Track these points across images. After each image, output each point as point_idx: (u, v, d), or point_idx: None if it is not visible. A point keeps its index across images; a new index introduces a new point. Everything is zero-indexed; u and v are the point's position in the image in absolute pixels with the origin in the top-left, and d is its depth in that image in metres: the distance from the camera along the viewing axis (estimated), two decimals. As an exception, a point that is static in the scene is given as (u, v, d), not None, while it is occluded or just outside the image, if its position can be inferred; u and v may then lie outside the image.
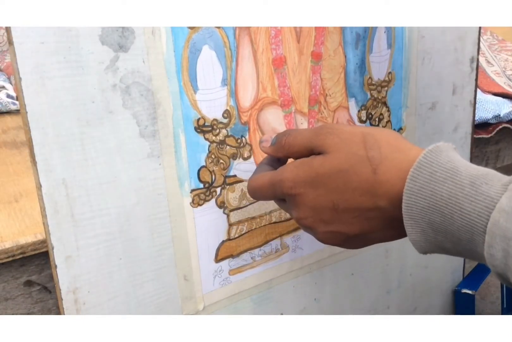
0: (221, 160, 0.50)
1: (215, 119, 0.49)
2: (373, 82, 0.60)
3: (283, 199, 0.45)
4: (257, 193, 0.46)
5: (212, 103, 0.48)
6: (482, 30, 0.83)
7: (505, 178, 0.36)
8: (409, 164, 0.38)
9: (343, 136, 0.41)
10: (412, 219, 0.38)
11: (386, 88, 0.61)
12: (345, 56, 0.57)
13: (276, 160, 0.47)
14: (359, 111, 0.60)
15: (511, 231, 0.34)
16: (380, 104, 0.61)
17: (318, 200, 0.41)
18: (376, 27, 0.58)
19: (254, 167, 0.52)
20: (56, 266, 0.43)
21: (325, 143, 0.41)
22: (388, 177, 0.39)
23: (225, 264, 0.53)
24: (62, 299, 0.43)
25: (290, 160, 0.47)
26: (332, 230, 0.42)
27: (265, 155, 0.50)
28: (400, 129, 0.65)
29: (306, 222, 0.43)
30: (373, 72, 0.59)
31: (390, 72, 0.61)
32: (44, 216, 0.41)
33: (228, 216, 0.52)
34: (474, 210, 0.35)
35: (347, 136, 0.41)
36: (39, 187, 0.41)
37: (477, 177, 0.36)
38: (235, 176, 0.52)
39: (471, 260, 0.40)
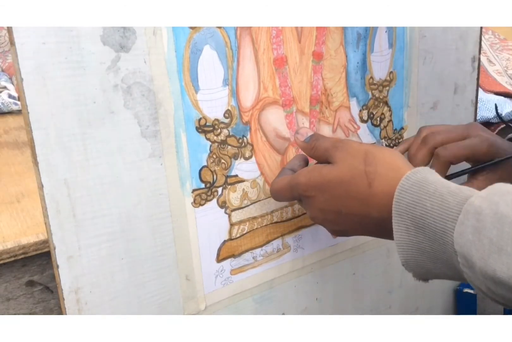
0: (223, 160, 0.50)
1: (216, 119, 0.49)
2: (375, 82, 0.60)
3: (300, 199, 0.50)
4: (278, 195, 0.51)
5: (214, 103, 0.48)
6: (483, 30, 0.83)
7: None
8: (398, 181, 0.43)
9: (349, 151, 0.47)
10: (399, 215, 0.42)
11: (387, 87, 0.61)
12: (346, 56, 0.57)
13: (297, 165, 0.52)
14: (360, 111, 0.60)
15: (482, 208, 0.38)
16: (381, 104, 0.61)
17: (326, 204, 0.47)
18: (377, 27, 0.58)
19: (255, 167, 0.52)
20: (58, 266, 0.43)
21: (335, 155, 0.48)
22: (380, 190, 0.44)
23: (226, 263, 0.53)
24: (64, 299, 0.43)
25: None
26: (339, 229, 0.50)
27: (265, 154, 0.51)
28: (401, 129, 0.65)
29: (317, 221, 0.50)
30: (374, 71, 0.59)
31: (391, 72, 0.61)
32: (46, 216, 0.41)
33: (229, 215, 0.52)
34: (454, 201, 0.39)
35: (352, 151, 0.47)
36: (41, 187, 0.41)
37: (463, 186, 0.41)
38: (236, 175, 0.52)
39: (445, 271, 0.42)
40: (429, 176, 0.42)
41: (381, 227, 0.45)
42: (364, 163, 0.46)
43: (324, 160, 0.49)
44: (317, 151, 0.50)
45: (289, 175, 0.51)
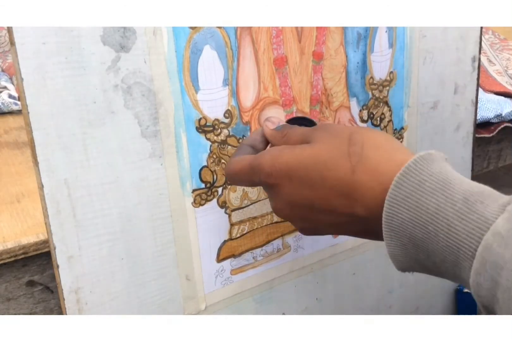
0: (223, 160, 0.50)
1: (216, 119, 0.49)
2: (375, 82, 0.60)
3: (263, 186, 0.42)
4: (235, 177, 0.43)
5: (214, 103, 0.48)
6: (483, 29, 0.83)
7: (503, 198, 0.32)
8: (392, 168, 0.34)
9: (331, 131, 0.39)
10: (392, 231, 0.34)
11: (387, 87, 0.61)
12: (346, 56, 0.57)
13: (259, 142, 0.44)
14: (360, 111, 0.60)
15: (505, 259, 0.29)
16: (381, 104, 0.61)
17: (294, 195, 0.38)
18: (377, 27, 0.58)
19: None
20: (58, 266, 0.43)
21: (314, 135, 0.39)
22: (367, 178, 0.35)
23: (227, 263, 0.53)
24: (64, 299, 0.43)
25: None
26: (310, 227, 0.41)
27: None
28: (401, 129, 0.65)
29: (282, 214, 0.41)
30: (374, 71, 0.59)
31: (391, 72, 0.61)
32: (46, 216, 0.41)
33: (229, 215, 0.52)
34: (464, 230, 0.31)
35: (334, 131, 0.39)
36: (41, 187, 0.41)
37: (471, 193, 0.32)
38: (236, 175, 0.52)
39: (454, 282, 0.36)
40: (427, 178, 0.33)
41: (366, 228, 0.37)
42: (348, 143, 0.36)
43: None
44: (290, 139, 0.41)
45: (248, 154, 0.42)
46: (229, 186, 0.51)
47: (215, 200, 0.51)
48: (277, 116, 0.48)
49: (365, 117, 0.61)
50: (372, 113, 0.61)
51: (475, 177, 0.75)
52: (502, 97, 0.86)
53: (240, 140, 0.51)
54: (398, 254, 0.35)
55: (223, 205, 0.51)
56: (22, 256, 0.48)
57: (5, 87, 0.94)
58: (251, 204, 0.53)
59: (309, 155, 0.37)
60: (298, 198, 0.38)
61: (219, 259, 0.52)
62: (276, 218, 0.56)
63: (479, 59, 0.70)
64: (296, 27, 0.52)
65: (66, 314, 0.44)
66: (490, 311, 0.31)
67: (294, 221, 0.41)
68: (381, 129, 0.63)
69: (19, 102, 0.87)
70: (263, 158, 0.39)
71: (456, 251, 0.31)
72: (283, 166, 0.38)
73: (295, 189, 0.38)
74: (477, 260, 0.30)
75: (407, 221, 0.33)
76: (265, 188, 0.41)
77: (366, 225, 0.36)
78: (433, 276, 0.36)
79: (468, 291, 0.40)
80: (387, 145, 0.36)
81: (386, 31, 0.59)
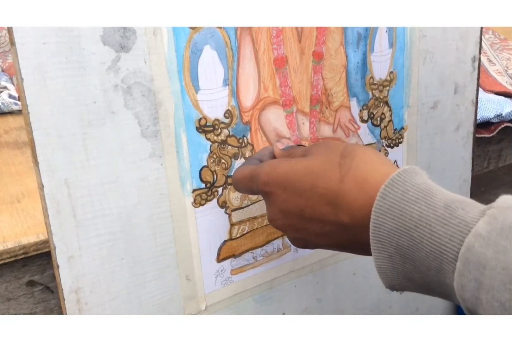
0: (223, 160, 0.50)
1: (216, 119, 0.49)
2: (375, 82, 0.60)
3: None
4: (237, 185, 0.46)
5: (214, 103, 0.48)
6: (484, 29, 0.83)
7: (482, 206, 0.33)
8: (377, 179, 0.36)
9: (327, 145, 0.41)
10: (380, 242, 0.35)
11: (387, 87, 0.61)
12: (347, 56, 0.57)
13: (267, 156, 0.47)
14: (360, 110, 0.60)
15: (487, 258, 0.30)
16: (381, 104, 0.61)
17: (287, 204, 0.40)
18: (377, 27, 0.58)
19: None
20: (58, 266, 0.43)
21: (312, 149, 0.42)
22: (354, 187, 0.36)
23: (227, 263, 0.53)
24: (64, 299, 0.43)
25: None
26: (301, 237, 0.42)
27: None
28: (401, 129, 0.65)
29: (276, 224, 0.43)
30: (374, 71, 0.59)
31: (391, 72, 0.61)
32: (46, 216, 0.41)
33: (229, 215, 0.52)
34: (446, 234, 0.32)
35: (330, 146, 0.41)
36: (41, 187, 0.41)
37: (452, 201, 0.33)
38: (236, 175, 0.52)
39: (442, 298, 0.36)
40: (410, 188, 0.34)
41: (352, 238, 0.37)
42: (341, 155, 0.39)
43: None
44: (293, 155, 0.44)
45: (255, 164, 0.45)
46: (229, 186, 0.51)
47: (215, 200, 0.51)
48: (288, 138, 0.52)
49: (365, 117, 0.61)
50: (372, 113, 0.61)
51: (475, 177, 0.75)
52: (502, 97, 0.86)
53: (240, 140, 0.51)
54: (386, 268, 0.36)
55: (223, 205, 0.51)
56: (22, 256, 0.48)
57: (5, 87, 0.94)
58: (251, 204, 0.53)
59: (303, 166, 0.39)
60: (290, 206, 0.39)
61: (219, 259, 0.52)
62: (276, 218, 0.56)
63: (479, 59, 0.70)
64: (296, 27, 0.52)
65: (66, 314, 0.44)
66: (474, 313, 0.32)
67: (287, 231, 0.43)
68: (381, 129, 0.63)
69: (19, 102, 0.87)
70: (262, 168, 0.42)
71: (439, 256, 0.32)
72: (279, 175, 0.40)
73: (288, 197, 0.39)
74: (460, 261, 0.31)
75: (393, 230, 0.34)
76: (263, 196, 0.43)
77: (352, 235, 0.37)
78: (419, 292, 0.37)
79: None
80: (376, 159, 0.38)
81: (386, 31, 0.59)
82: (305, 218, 0.39)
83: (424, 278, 0.34)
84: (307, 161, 0.39)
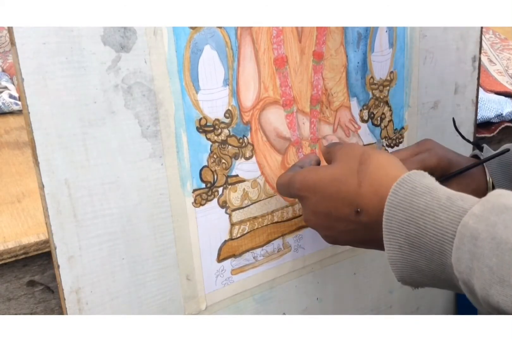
0: (223, 160, 0.50)
1: (217, 119, 0.49)
2: (375, 82, 0.60)
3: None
4: (279, 190, 0.51)
5: (214, 103, 0.48)
6: (484, 29, 0.83)
7: (480, 199, 0.38)
8: (389, 182, 0.41)
9: (348, 151, 0.47)
10: (391, 233, 0.40)
11: (388, 87, 0.61)
12: (347, 56, 0.57)
13: (307, 164, 0.52)
14: (361, 110, 0.60)
15: (479, 231, 0.34)
16: (382, 104, 0.61)
17: (317, 205, 0.46)
18: (377, 27, 0.58)
19: (256, 167, 0.52)
20: (58, 266, 0.43)
21: (335, 156, 0.48)
22: (369, 190, 0.42)
23: (227, 263, 0.53)
24: (64, 299, 0.43)
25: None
26: (330, 234, 0.48)
27: (266, 154, 0.52)
28: (402, 129, 0.65)
29: (310, 224, 0.49)
30: (375, 71, 0.59)
31: (392, 72, 0.61)
32: (46, 216, 0.41)
33: (230, 215, 0.52)
34: (447, 218, 0.37)
35: (350, 152, 0.46)
36: (41, 187, 0.41)
37: (454, 194, 0.38)
38: (237, 175, 0.52)
39: (444, 287, 0.40)
40: (418, 185, 0.40)
41: (370, 235, 0.43)
42: (359, 162, 0.44)
43: (330, 163, 0.49)
44: (329, 155, 0.49)
45: (294, 172, 0.50)
46: (230, 186, 0.51)
47: (215, 200, 0.51)
48: (333, 135, 0.58)
49: (366, 117, 0.61)
50: (373, 113, 0.61)
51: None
52: (503, 97, 0.86)
53: (240, 140, 0.51)
54: (396, 259, 0.40)
55: (223, 204, 0.51)
56: (23, 256, 0.48)
57: (5, 87, 0.94)
58: (252, 203, 0.53)
59: (328, 174, 0.46)
60: (320, 208, 0.46)
61: (220, 259, 0.52)
62: (276, 218, 0.56)
63: (480, 59, 0.70)
64: (297, 27, 0.52)
65: (66, 314, 0.44)
66: (469, 287, 0.36)
67: (319, 229, 0.48)
68: (382, 129, 0.63)
69: (19, 102, 0.87)
70: (295, 177, 0.48)
71: (441, 238, 0.37)
72: (309, 183, 0.46)
73: (318, 200, 0.46)
74: (457, 237, 0.36)
75: (403, 221, 0.39)
76: (299, 200, 0.49)
77: (370, 232, 0.43)
78: (427, 284, 0.41)
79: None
80: (388, 165, 0.44)
81: (386, 31, 0.59)
82: (332, 218, 0.45)
83: (429, 265, 0.39)
84: (331, 170, 0.46)
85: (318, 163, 0.52)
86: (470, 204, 0.37)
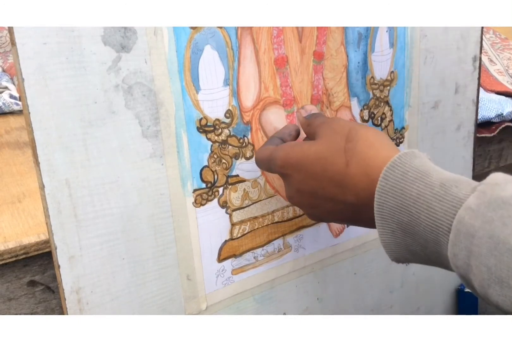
0: (224, 160, 0.50)
1: (217, 119, 0.49)
2: (375, 82, 0.60)
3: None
4: (258, 164, 0.50)
5: (214, 103, 0.48)
6: (484, 29, 0.83)
7: (475, 183, 0.36)
8: (379, 163, 0.39)
9: (334, 127, 0.44)
10: (383, 219, 0.38)
11: (388, 87, 0.61)
12: (347, 56, 0.57)
13: (287, 135, 0.49)
14: (361, 110, 0.60)
15: (475, 228, 0.33)
16: (382, 104, 0.61)
17: (302, 185, 0.44)
18: (378, 27, 0.58)
19: (256, 167, 0.52)
20: (59, 266, 0.43)
21: (319, 131, 0.45)
22: (356, 171, 0.40)
23: (227, 263, 0.53)
24: (65, 299, 0.44)
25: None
26: (315, 213, 0.46)
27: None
28: (402, 129, 0.65)
29: (293, 201, 0.47)
30: (375, 71, 0.59)
31: (392, 72, 0.61)
32: (47, 216, 0.42)
33: (230, 215, 0.52)
34: (441, 209, 0.35)
35: (336, 127, 0.44)
36: (42, 187, 0.41)
37: (447, 180, 0.37)
38: (237, 175, 0.52)
39: (440, 267, 0.39)
40: (409, 169, 0.38)
41: (359, 215, 0.42)
42: (346, 140, 0.42)
43: (313, 138, 0.46)
44: (310, 128, 0.47)
45: (275, 145, 0.48)
46: (230, 186, 0.51)
47: (216, 200, 0.51)
48: (312, 105, 0.54)
49: (366, 117, 0.61)
50: (373, 113, 0.61)
51: (476, 177, 0.75)
52: (503, 97, 0.86)
53: (241, 140, 0.51)
54: (389, 242, 0.39)
55: (224, 204, 0.51)
56: (23, 256, 0.48)
57: (6, 88, 0.95)
58: (252, 203, 0.53)
59: (314, 151, 0.43)
60: (305, 186, 0.44)
61: (220, 259, 0.52)
62: (277, 218, 0.56)
63: (480, 58, 0.70)
64: (297, 27, 0.52)
65: (67, 314, 0.44)
66: (467, 281, 0.35)
67: (303, 207, 0.47)
68: (382, 129, 0.63)
69: (20, 103, 0.87)
70: (277, 153, 0.45)
71: (435, 229, 0.36)
72: (293, 160, 0.44)
73: (302, 179, 0.44)
74: (453, 233, 0.34)
75: (394, 208, 0.38)
76: (281, 177, 0.47)
77: (357, 212, 0.42)
78: (423, 264, 0.40)
79: (470, 291, 0.41)
80: (377, 143, 0.41)
81: (386, 31, 0.59)
82: (318, 197, 0.43)
83: (424, 250, 0.38)
84: (316, 147, 0.43)
85: (298, 133, 0.50)
86: (464, 192, 0.35)
